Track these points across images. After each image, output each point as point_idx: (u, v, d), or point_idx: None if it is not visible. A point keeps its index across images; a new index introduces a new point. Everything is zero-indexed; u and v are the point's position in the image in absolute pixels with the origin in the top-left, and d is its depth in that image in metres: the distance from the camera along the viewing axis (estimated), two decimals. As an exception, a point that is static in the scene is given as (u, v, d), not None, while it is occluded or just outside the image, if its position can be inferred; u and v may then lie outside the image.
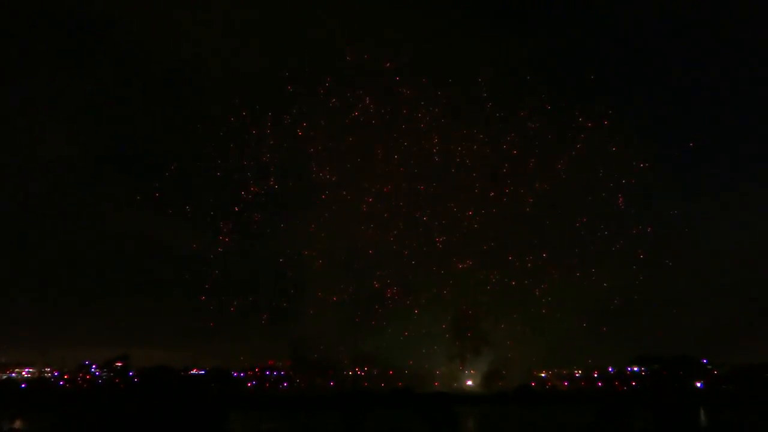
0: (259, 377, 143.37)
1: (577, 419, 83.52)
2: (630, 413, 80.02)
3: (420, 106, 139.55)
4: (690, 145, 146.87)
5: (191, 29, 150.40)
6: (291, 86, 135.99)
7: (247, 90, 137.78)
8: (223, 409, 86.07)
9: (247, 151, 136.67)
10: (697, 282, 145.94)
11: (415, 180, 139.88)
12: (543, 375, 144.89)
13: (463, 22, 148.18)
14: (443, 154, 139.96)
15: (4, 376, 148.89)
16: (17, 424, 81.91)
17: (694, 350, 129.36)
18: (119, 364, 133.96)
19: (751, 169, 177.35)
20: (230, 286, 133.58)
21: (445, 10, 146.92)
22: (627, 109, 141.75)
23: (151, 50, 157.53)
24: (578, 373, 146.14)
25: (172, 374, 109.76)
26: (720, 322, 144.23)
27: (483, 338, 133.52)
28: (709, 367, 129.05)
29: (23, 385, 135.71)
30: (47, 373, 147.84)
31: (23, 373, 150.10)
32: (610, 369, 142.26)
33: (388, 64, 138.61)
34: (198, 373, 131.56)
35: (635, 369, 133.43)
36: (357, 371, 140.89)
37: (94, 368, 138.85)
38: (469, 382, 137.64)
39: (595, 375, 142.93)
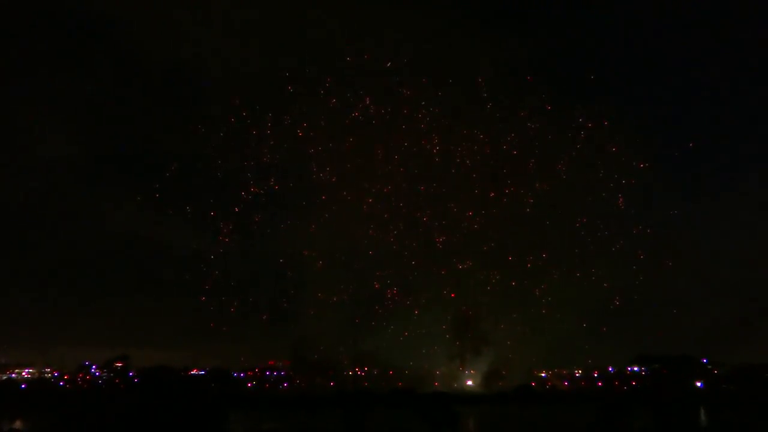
0: (259, 377, 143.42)
1: (578, 419, 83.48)
2: (630, 413, 79.96)
3: (420, 106, 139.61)
4: (690, 145, 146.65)
5: (191, 29, 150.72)
6: (291, 86, 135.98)
7: (247, 90, 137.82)
8: (223, 409, 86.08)
9: (247, 152, 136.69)
10: (697, 282, 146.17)
11: (416, 180, 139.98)
12: (543, 375, 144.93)
13: (463, 22, 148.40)
14: (443, 155, 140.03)
15: (4, 377, 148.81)
16: (17, 424, 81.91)
17: (694, 350, 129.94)
18: (119, 365, 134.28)
19: (751, 169, 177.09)
20: (230, 286, 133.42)
21: (445, 10, 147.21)
22: (627, 109, 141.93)
23: (151, 50, 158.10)
24: (578, 373, 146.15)
25: (172, 374, 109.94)
26: (720, 322, 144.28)
27: (483, 338, 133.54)
28: (709, 366, 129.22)
29: (23, 386, 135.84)
30: (47, 373, 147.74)
31: (23, 373, 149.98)
32: (610, 369, 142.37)
33: (388, 64, 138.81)
34: (198, 374, 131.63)
35: (635, 369, 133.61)
36: (357, 371, 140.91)
37: (94, 368, 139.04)
38: (470, 382, 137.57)
39: (595, 375, 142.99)
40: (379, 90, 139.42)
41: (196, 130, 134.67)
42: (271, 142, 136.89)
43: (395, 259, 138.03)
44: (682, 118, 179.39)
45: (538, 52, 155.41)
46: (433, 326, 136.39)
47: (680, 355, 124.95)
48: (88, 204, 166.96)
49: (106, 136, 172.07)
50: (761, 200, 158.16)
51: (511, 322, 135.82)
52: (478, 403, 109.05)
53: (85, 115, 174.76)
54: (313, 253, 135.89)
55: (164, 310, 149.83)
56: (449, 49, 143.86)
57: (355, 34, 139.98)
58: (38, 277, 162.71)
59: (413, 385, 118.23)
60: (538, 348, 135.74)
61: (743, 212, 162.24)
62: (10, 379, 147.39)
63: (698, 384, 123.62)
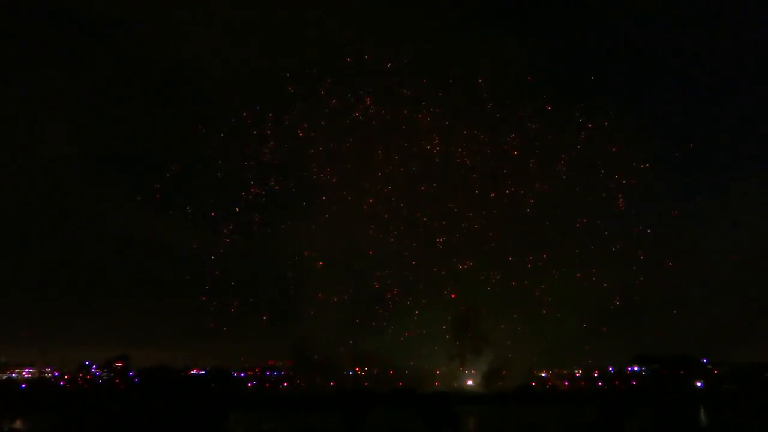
0: (259, 377, 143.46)
1: (578, 419, 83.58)
2: (630, 413, 79.79)
3: (420, 106, 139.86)
4: (690, 145, 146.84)
5: (191, 29, 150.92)
6: (291, 87, 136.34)
7: (248, 90, 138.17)
8: (224, 409, 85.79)
9: (247, 152, 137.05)
10: (697, 282, 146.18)
11: (416, 181, 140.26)
12: (543, 375, 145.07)
13: (464, 23, 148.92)
14: (444, 155, 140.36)
15: (5, 377, 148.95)
16: (17, 424, 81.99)
17: (694, 350, 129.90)
18: (119, 364, 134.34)
19: (751, 169, 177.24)
20: (231, 286, 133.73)
21: (445, 10, 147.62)
22: (627, 110, 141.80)
23: (151, 50, 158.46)
24: (578, 373, 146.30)
25: (172, 374, 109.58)
26: (720, 322, 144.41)
27: (483, 338, 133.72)
28: (709, 366, 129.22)
29: (23, 386, 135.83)
30: (47, 373, 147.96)
31: (23, 373, 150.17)
32: (610, 369, 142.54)
33: (388, 65, 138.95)
34: (198, 373, 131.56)
35: (635, 368, 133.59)
36: (357, 371, 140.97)
37: (95, 368, 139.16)
38: (470, 382, 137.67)
39: (596, 375, 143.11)
40: (380, 90, 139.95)
41: (196, 130, 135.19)
42: (272, 143, 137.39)
43: (395, 260, 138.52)
44: (682, 118, 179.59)
45: (538, 52, 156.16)
46: (433, 326, 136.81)
47: (680, 354, 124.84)
48: (88, 204, 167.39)
49: (106, 136, 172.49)
50: (761, 200, 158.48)
51: (512, 322, 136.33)
52: (479, 402, 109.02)
53: (85, 115, 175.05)
54: (314, 254, 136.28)
55: (164, 310, 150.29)
56: (449, 50, 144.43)
57: (355, 35, 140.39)
58: (38, 277, 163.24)
59: (413, 384, 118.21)
60: (539, 348, 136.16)
61: (743, 212, 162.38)
62: (10, 378, 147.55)
63: (698, 384, 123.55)
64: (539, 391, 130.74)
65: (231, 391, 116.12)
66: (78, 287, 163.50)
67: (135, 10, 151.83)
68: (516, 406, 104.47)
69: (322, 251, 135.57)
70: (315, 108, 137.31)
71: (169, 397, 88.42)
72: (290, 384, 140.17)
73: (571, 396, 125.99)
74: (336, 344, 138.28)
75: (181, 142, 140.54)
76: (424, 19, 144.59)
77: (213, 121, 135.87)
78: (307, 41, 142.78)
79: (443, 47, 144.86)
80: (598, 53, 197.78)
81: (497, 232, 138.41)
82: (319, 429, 79.21)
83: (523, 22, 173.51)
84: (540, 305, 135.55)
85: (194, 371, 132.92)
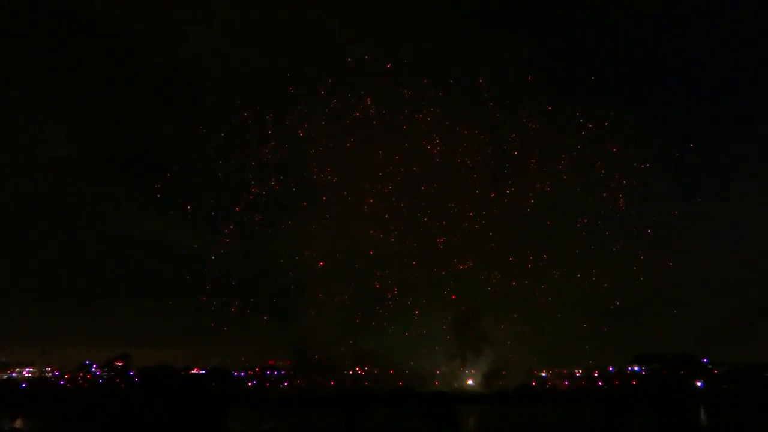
0: (259, 377, 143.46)
1: (578, 419, 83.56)
2: (630, 412, 79.77)
3: (421, 106, 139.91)
4: (690, 145, 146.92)
5: (191, 29, 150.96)
6: (291, 87, 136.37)
7: (248, 90, 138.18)
8: (224, 409, 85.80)
9: (248, 152, 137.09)
10: (697, 282, 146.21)
11: (416, 181, 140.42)
12: (543, 374, 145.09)
13: (464, 23, 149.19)
14: (444, 155, 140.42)
15: (5, 376, 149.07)
16: (18, 423, 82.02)
17: (695, 350, 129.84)
18: (120, 364, 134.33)
19: (751, 169, 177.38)
20: (231, 286, 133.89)
21: (446, 10, 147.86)
22: (627, 110, 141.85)
23: (151, 50, 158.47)
24: (579, 373, 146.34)
25: (172, 374, 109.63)
26: (720, 322, 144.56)
27: (483, 338, 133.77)
28: (710, 366, 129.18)
29: (24, 385, 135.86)
30: (48, 372, 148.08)
31: (24, 372, 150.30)
32: (610, 368, 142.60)
33: (389, 65, 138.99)
34: (198, 373, 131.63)
35: (635, 368, 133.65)
36: (357, 371, 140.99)
37: (95, 368, 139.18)
38: (470, 382, 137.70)
39: (596, 374, 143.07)
40: (380, 90, 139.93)
41: (196, 130, 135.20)
42: (272, 143, 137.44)
43: (396, 259, 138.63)
44: (682, 118, 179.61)
45: (538, 52, 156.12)
46: (433, 326, 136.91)
47: (680, 354, 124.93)
48: (88, 204, 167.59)
49: (106, 136, 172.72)
50: (761, 200, 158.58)
51: (512, 322, 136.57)
52: (479, 402, 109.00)
53: (85, 115, 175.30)
54: (314, 254, 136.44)
55: (165, 310, 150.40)
56: (449, 50, 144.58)
57: (355, 35, 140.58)
58: (38, 277, 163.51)
59: (414, 384, 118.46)
60: (539, 347, 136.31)
61: (743, 212, 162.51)
62: (10, 378, 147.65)
63: (698, 384, 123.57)
64: (539, 390, 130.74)
65: (231, 391, 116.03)
66: (78, 287, 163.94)
67: (135, 10, 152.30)
68: (516, 406, 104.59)
69: (322, 251, 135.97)
70: (315, 108, 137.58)
71: (170, 397, 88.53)
72: (290, 384, 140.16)
73: (571, 396, 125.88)
74: (336, 344, 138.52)
75: (181, 142, 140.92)
76: (424, 19, 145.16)
77: (213, 121, 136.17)
78: (307, 41, 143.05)
79: (443, 47, 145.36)
80: (598, 53, 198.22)
81: (497, 232, 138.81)
82: (319, 429, 79.17)
83: (523, 22, 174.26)
84: (540, 305, 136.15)
85: (194, 371, 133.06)
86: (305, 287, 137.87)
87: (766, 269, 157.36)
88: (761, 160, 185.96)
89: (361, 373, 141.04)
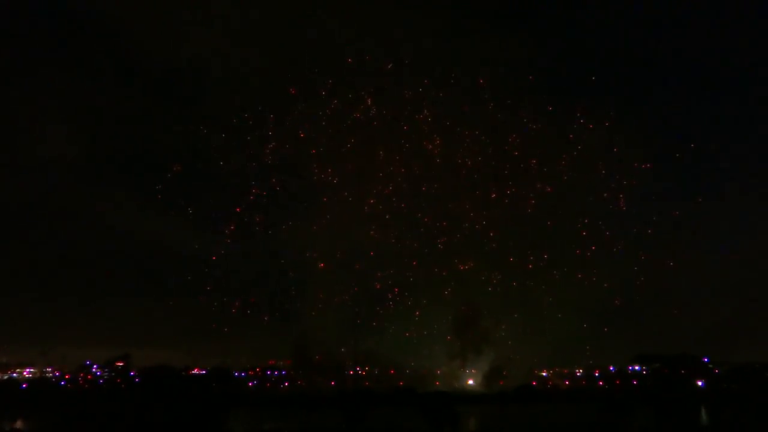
0: (260, 377, 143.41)
1: (579, 418, 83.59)
2: (631, 412, 79.94)
3: (421, 107, 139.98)
4: (691, 145, 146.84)
5: (191, 29, 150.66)
6: (292, 87, 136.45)
7: (248, 90, 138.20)
8: (224, 409, 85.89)
9: (248, 152, 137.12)
10: (697, 282, 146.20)
11: (417, 181, 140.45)
12: (544, 374, 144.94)
13: (464, 23, 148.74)
14: (445, 156, 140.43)
15: (5, 376, 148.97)
16: (18, 424, 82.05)
17: (695, 350, 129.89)
18: (120, 364, 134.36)
19: (751, 169, 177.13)
20: (232, 286, 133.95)
21: (446, 10, 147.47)
22: (627, 110, 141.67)
23: (151, 50, 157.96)
24: (579, 372, 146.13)
25: (173, 374, 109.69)
26: (720, 322, 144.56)
27: (484, 338, 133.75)
28: (710, 365, 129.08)
29: (24, 385, 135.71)
30: (48, 373, 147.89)
31: (24, 373, 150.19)
32: (611, 368, 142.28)
33: (389, 66, 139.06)
34: (199, 373, 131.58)
35: (636, 368, 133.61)
36: (358, 371, 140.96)
37: (95, 368, 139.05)
38: (471, 382, 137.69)
39: (596, 374, 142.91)
40: (380, 91, 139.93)
41: (197, 131, 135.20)
42: (273, 143, 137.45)
43: (396, 260, 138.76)
44: (682, 118, 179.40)
45: (539, 52, 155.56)
46: (434, 326, 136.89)
47: (681, 354, 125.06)
48: (88, 204, 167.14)
49: (106, 136, 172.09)
50: (761, 200, 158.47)
51: (512, 322, 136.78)
52: (479, 402, 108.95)
53: (85, 115, 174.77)
54: (315, 254, 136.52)
55: (165, 310, 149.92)
56: (450, 50, 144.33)
57: (355, 35, 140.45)
58: (38, 277, 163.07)
59: (414, 384, 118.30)
60: (539, 347, 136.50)
61: (743, 212, 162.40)
62: (11, 378, 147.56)
63: (699, 383, 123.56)
64: (540, 390, 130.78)
65: (232, 391, 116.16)
66: (78, 287, 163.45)
67: (135, 10, 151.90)
68: (517, 406, 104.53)
69: (323, 251, 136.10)
70: (316, 108, 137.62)
71: (170, 397, 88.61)
72: (291, 384, 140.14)
73: (571, 395, 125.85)
74: (337, 344, 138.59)
75: (181, 143, 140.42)
76: (424, 19, 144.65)
77: (213, 121, 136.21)
78: (307, 41, 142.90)
79: (443, 47, 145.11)
80: (598, 53, 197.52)
81: (498, 233, 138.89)
82: (320, 428, 79.28)
83: (523, 22, 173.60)
84: (541, 305, 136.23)
85: (195, 371, 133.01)
86: (306, 287, 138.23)
87: (766, 269, 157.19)
88: (761, 160, 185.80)
89: (362, 373, 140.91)
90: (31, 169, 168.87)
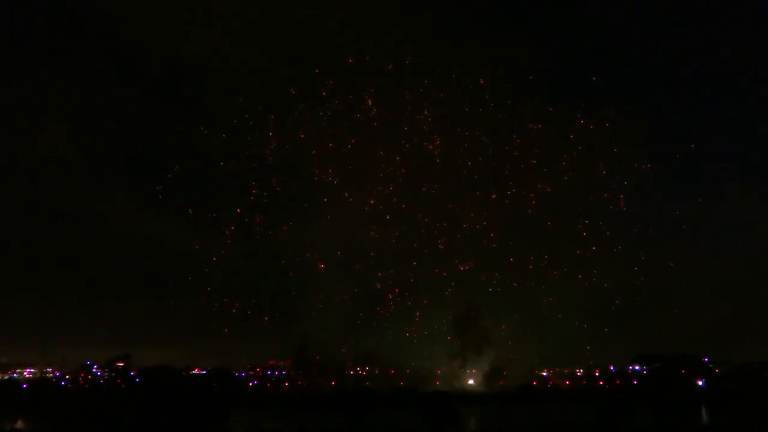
0: (260, 377, 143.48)
1: (579, 418, 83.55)
2: (631, 412, 79.84)
3: (422, 107, 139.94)
4: (691, 146, 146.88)
5: (191, 29, 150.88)
6: (292, 88, 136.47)
7: (248, 91, 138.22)
8: (225, 409, 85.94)
9: (249, 153, 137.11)
10: (697, 282, 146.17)
11: (417, 181, 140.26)
12: (544, 374, 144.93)
13: (464, 23, 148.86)
14: (445, 156, 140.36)
15: (6, 377, 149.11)
16: (19, 424, 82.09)
17: (695, 350, 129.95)
18: (120, 364, 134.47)
19: (751, 168, 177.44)
20: (232, 287, 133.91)
21: (446, 10, 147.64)
22: (628, 110, 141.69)
23: (151, 50, 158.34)
24: (579, 372, 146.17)
25: (173, 374, 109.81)
26: (720, 322, 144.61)
27: (484, 338, 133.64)
28: (711, 365, 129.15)
29: (25, 386, 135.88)
30: (49, 373, 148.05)
31: (25, 373, 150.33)
32: (611, 368, 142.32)
33: (390, 66, 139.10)
34: (199, 373, 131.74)
35: (636, 368, 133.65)
36: (358, 371, 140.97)
37: (96, 368, 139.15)
38: (471, 382, 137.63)
39: (597, 374, 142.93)
40: (381, 91, 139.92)
41: (197, 131, 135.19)
42: (273, 144, 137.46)
43: (397, 260, 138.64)
44: (682, 118, 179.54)
45: (539, 52, 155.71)
46: (434, 326, 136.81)
47: (681, 353, 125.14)
48: (88, 204, 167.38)
49: (106, 136, 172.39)
50: (761, 200, 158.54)
51: (513, 322, 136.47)
52: (480, 402, 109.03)
53: (85, 115, 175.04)
54: (315, 254, 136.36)
55: (165, 310, 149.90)
56: (450, 50, 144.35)
57: (355, 35, 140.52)
58: (38, 277, 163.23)
59: (415, 384, 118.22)
60: (540, 347, 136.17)
61: (743, 212, 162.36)
62: (11, 378, 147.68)
63: (699, 383, 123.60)
64: (540, 390, 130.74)
65: (232, 391, 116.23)
66: (78, 287, 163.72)
67: (135, 10, 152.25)
68: (517, 406, 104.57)
69: (323, 252, 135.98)
70: (316, 109, 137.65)
71: (171, 397, 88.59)
72: (291, 384, 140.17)
73: (572, 395, 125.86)
74: (337, 344, 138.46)
75: (181, 143, 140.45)
76: (424, 19, 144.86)
77: (213, 121, 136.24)
78: (307, 42, 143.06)
79: (443, 47, 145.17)
80: (598, 53, 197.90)
81: (498, 233, 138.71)
82: (321, 428, 79.28)
83: (523, 22, 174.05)
84: (541, 305, 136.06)
85: (195, 371, 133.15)
86: (306, 288, 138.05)
87: (766, 269, 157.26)
88: (761, 160, 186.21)
89: (362, 373, 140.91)
90: (31, 169, 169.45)
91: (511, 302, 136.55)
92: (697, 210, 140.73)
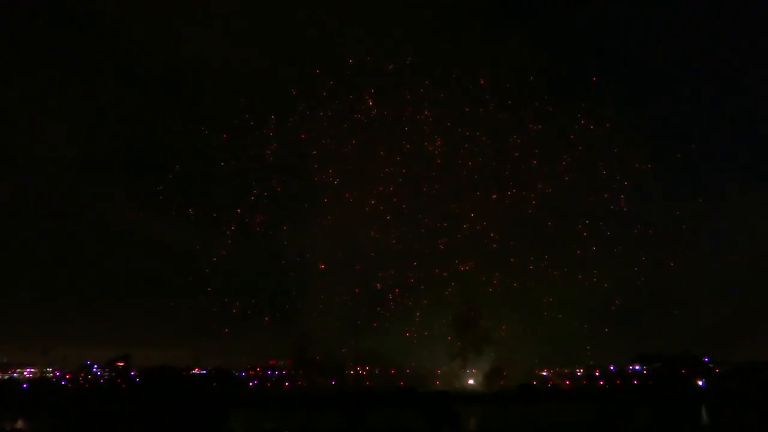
0: (260, 377, 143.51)
1: (579, 418, 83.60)
2: (631, 412, 79.92)
3: (422, 107, 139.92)
4: (692, 146, 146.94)
5: (191, 29, 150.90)
6: (293, 88, 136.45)
7: (248, 91, 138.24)
8: (225, 409, 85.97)
9: (249, 153, 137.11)
10: (697, 282, 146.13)
11: (418, 181, 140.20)
12: (544, 374, 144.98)
13: (465, 23, 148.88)
14: (446, 156, 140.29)
15: (6, 376, 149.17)
16: (19, 424, 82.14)
17: (695, 350, 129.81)
18: (121, 364, 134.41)
19: (751, 169, 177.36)
20: (232, 287, 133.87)
21: (447, 10, 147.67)
22: (628, 110, 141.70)
23: (151, 50, 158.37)
24: (580, 372, 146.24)
25: (173, 374, 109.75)
26: (720, 322, 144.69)
27: (484, 337, 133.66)
28: (711, 365, 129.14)
29: (25, 386, 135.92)
30: (49, 373, 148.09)
31: (25, 373, 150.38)
32: (611, 368, 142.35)
33: (390, 66, 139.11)
34: (200, 373, 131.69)
35: (637, 368, 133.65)
36: (359, 371, 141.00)
37: (96, 368, 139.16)
38: (471, 381, 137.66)
39: (597, 374, 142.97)
40: (381, 91, 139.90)
41: (197, 131, 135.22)
42: (274, 144, 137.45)
43: (397, 260, 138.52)
44: (682, 118, 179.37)
45: (539, 52, 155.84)
46: (434, 326, 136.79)
47: (681, 353, 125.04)
48: (88, 204, 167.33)
49: (106, 136, 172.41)
50: (761, 200, 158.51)
51: (513, 322, 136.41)
52: (480, 402, 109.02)
53: (85, 115, 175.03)
54: (315, 254, 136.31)
55: (166, 310, 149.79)
56: (451, 50, 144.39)
57: (355, 35, 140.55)
58: (38, 277, 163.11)
59: (415, 384, 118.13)
60: (540, 347, 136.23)
61: (743, 212, 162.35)
62: (11, 378, 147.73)
63: (700, 383, 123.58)
64: (540, 390, 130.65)
65: (232, 391, 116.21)
66: (78, 287, 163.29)
67: (135, 10, 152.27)
68: (517, 406, 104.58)
69: (323, 252, 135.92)
70: (317, 109, 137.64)
71: (171, 397, 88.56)
72: (292, 384, 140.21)
73: (572, 395, 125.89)
74: (338, 344, 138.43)
75: (181, 143, 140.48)
76: (424, 19, 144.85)
77: (213, 121, 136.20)
78: (307, 42, 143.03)
79: (443, 47, 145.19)
80: (598, 53, 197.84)
81: (499, 233, 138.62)
82: (321, 428, 79.32)
83: (523, 22, 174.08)
84: (541, 305, 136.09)
85: (196, 371, 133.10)
86: (307, 288, 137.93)
87: (766, 269, 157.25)
88: (761, 160, 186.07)
89: (363, 373, 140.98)
90: (31, 169, 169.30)
91: (511, 302, 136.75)
92: (697, 210, 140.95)
